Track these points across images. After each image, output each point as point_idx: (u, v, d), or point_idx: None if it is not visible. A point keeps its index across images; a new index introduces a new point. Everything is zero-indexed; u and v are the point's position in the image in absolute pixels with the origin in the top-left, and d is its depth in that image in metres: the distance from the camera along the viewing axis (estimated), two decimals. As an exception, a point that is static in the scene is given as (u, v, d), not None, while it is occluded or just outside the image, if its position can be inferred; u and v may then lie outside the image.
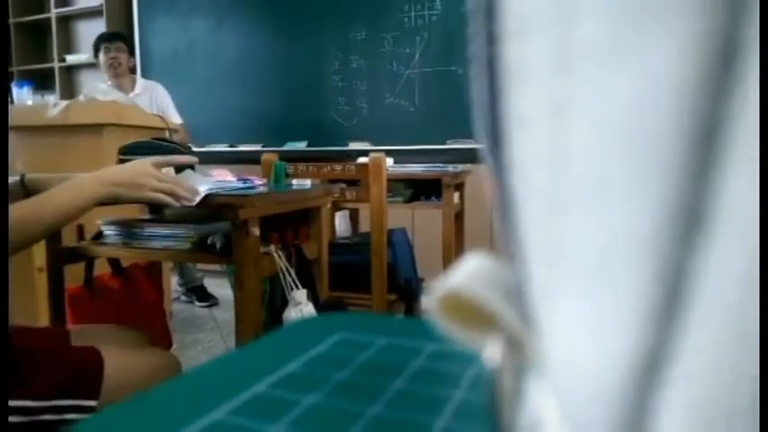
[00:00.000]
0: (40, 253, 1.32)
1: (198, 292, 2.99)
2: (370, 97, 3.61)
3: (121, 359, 0.89)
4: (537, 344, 0.12)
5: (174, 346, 1.80)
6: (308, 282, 1.39)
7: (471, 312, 0.14)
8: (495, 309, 0.14)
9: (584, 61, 0.09)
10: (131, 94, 2.86)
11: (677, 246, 0.09)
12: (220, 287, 3.01)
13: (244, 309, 1.20)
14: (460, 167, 2.46)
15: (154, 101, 2.94)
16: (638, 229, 0.09)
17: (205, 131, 3.85)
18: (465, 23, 0.13)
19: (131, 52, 2.95)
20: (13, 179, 1.03)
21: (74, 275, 1.39)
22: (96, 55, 2.89)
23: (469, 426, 0.24)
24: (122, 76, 2.90)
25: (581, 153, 0.10)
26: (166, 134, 2.35)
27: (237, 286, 1.21)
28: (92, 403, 0.79)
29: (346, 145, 3.60)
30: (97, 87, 2.45)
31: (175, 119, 2.97)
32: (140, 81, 2.99)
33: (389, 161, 2.04)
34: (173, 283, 2.87)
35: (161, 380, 0.27)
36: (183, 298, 3.03)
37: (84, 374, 0.80)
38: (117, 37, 2.91)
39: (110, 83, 2.89)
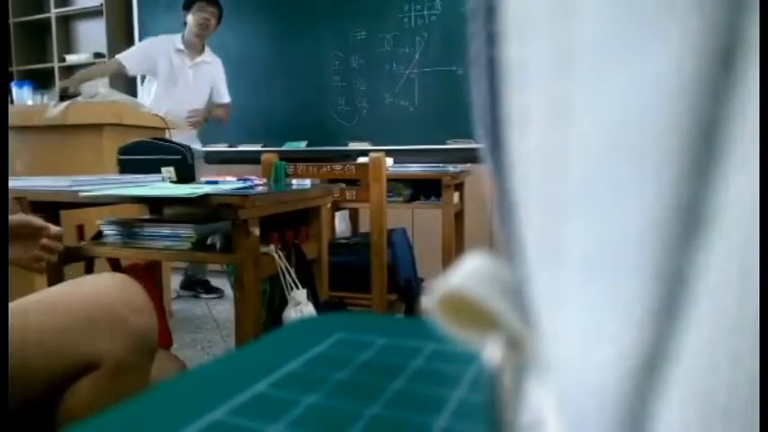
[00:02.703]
0: (39, 253, 1.32)
1: (204, 285, 3.03)
2: (370, 97, 3.61)
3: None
4: (537, 344, 0.12)
5: (174, 345, 1.80)
6: (307, 282, 1.39)
7: (471, 312, 0.14)
8: (495, 308, 0.14)
9: (583, 61, 0.09)
10: (199, 59, 2.93)
11: (677, 246, 0.09)
12: (221, 287, 3.02)
13: (244, 309, 1.20)
14: (460, 167, 2.47)
15: (214, 72, 3.01)
16: (637, 229, 0.09)
17: (205, 131, 3.84)
18: (465, 23, 0.13)
19: (219, 22, 2.93)
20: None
21: (74, 275, 1.39)
22: (188, 8, 2.85)
23: (469, 426, 0.24)
24: (203, 38, 2.92)
25: (580, 153, 0.10)
26: (166, 134, 2.35)
27: (237, 286, 1.21)
28: None
29: (346, 145, 3.60)
30: (96, 83, 2.48)
31: (225, 97, 3.07)
32: (208, 50, 3.00)
33: (389, 161, 2.04)
34: (173, 282, 2.87)
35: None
36: (182, 293, 3.05)
37: None
38: (215, 2, 2.88)
39: (180, 41, 2.90)
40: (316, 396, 0.26)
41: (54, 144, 2.19)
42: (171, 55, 2.85)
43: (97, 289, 0.72)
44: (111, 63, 2.95)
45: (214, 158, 3.79)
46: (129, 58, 2.85)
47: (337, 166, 1.81)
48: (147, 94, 2.93)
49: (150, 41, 2.93)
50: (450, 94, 3.35)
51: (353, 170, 1.80)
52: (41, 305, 0.71)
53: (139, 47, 2.94)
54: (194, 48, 2.92)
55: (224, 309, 2.67)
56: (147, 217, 1.49)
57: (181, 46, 2.88)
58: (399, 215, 2.92)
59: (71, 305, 0.70)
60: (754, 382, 0.09)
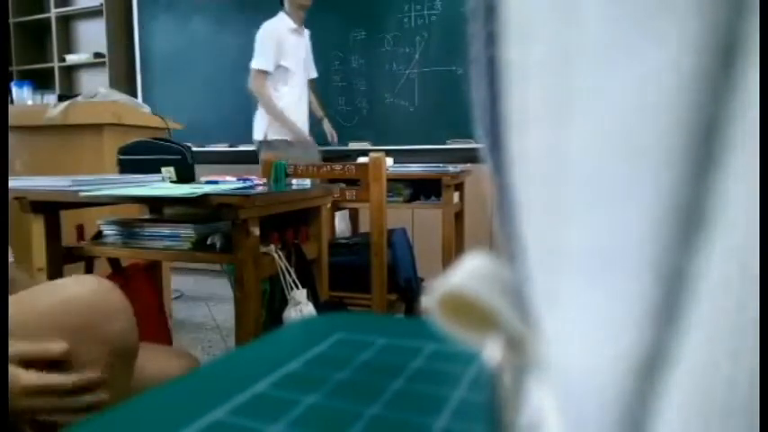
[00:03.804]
0: (39, 253, 1.32)
1: None
2: (370, 97, 3.61)
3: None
4: (537, 344, 0.12)
5: (174, 345, 1.80)
6: (307, 282, 1.39)
7: (471, 312, 0.14)
8: (495, 308, 0.14)
9: (583, 61, 0.09)
10: (305, 34, 2.89)
11: (677, 246, 0.09)
12: (220, 287, 3.02)
13: (244, 309, 1.20)
14: (460, 167, 2.47)
15: (309, 46, 2.97)
16: (637, 229, 0.09)
17: (205, 131, 3.84)
18: (465, 23, 0.13)
19: None
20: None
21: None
22: None
23: (469, 426, 0.24)
24: (306, 12, 2.85)
25: (581, 153, 0.10)
26: (166, 134, 2.35)
27: (237, 286, 1.21)
28: None
29: (346, 145, 3.60)
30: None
31: (315, 71, 3.04)
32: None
33: (389, 161, 2.04)
34: (173, 282, 2.87)
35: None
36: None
37: None
38: None
39: (291, 21, 2.81)
40: (316, 396, 0.26)
41: (54, 144, 2.19)
42: (290, 36, 2.76)
43: (68, 297, 0.68)
44: (257, 81, 2.79)
45: (214, 158, 3.79)
46: (259, 61, 2.74)
47: (337, 166, 1.81)
48: (277, 90, 2.81)
49: (268, 30, 2.76)
50: (451, 94, 3.35)
51: (353, 170, 1.80)
52: (11, 317, 0.64)
53: (262, 42, 2.75)
54: (302, 24, 2.83)
55: (224, 309, 2.67)
56: (147, 217, 1.49)
57: (294, 25, 2.78)
58: (399, 215, 2.92)
59: (41, 317, 0.66)
60: (754, 381, 0.09)
